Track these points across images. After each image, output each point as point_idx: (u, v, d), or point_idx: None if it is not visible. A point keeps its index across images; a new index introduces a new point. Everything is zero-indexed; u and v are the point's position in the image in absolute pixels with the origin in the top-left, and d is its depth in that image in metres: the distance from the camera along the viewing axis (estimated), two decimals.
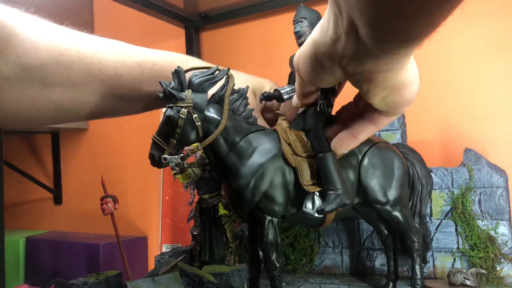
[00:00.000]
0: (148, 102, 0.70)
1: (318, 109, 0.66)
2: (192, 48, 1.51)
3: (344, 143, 0.56)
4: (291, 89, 0.74)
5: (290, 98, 0.74)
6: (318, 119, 0.69)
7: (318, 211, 0.64)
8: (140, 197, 1.66)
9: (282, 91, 0.74)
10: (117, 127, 1.75)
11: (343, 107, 0.63)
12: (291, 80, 0.78)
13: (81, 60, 0.60)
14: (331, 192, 0.63)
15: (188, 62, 0.71)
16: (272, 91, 0.76)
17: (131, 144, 1.71)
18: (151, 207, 1.61)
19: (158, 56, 0.69)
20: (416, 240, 0.77)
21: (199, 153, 0.94)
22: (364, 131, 0.53)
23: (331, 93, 0.67)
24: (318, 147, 0.66)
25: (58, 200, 1.93)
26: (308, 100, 0.62)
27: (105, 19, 1.77)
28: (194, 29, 1.52)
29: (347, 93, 0.63)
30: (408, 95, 0.46)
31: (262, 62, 1.41)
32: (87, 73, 0.60)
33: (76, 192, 1.88)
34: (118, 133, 1.76)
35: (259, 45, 1.44)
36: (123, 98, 0.66)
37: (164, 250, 1.42)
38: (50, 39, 0.58)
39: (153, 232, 1.61)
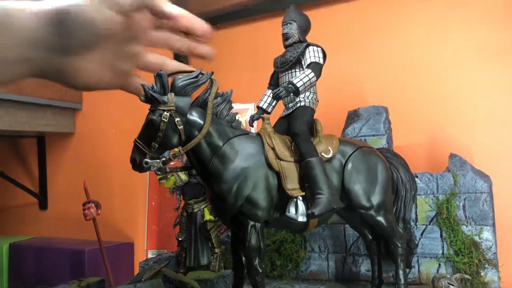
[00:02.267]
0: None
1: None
2: None
3: None
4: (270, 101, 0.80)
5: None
6: (304, 123, 0.70)
7: (308, 215, 0.64)
8: (127, 203, 1.64)
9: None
10: (104, 131, 1.73)
11: None
12: (272, 80, 0.80)
13: None
14: (319, 196, 0.63)
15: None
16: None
17: (118, 148, 1.69)
18: (137, 213, 1.59)
19: None
20: (400, 245, 0.77)
21: (185, 157, 0.93)
22: None
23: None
24: (305, 151, 0.66)
25: (43, 205, 1.90)
26: None
27: None
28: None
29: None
30: None
31: (249, 66, 1.41)
32: None
33: (62, 197, 1.85)
34: (105, 138, 1.75)
35: (246, 49, 1.44)
36: None
37: (150, 256, 1.40)
38: None
39: (139, 238, 1.59)
